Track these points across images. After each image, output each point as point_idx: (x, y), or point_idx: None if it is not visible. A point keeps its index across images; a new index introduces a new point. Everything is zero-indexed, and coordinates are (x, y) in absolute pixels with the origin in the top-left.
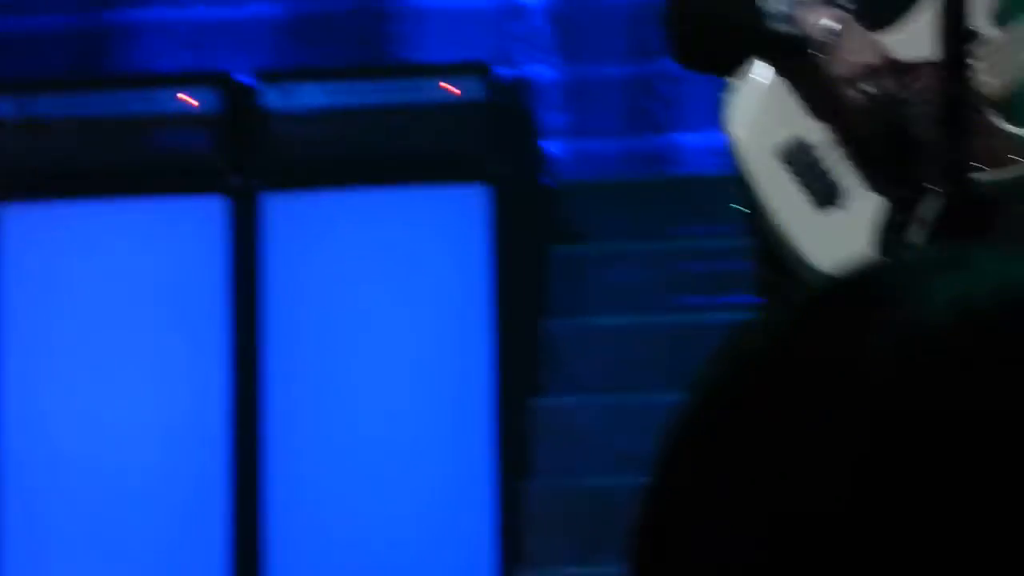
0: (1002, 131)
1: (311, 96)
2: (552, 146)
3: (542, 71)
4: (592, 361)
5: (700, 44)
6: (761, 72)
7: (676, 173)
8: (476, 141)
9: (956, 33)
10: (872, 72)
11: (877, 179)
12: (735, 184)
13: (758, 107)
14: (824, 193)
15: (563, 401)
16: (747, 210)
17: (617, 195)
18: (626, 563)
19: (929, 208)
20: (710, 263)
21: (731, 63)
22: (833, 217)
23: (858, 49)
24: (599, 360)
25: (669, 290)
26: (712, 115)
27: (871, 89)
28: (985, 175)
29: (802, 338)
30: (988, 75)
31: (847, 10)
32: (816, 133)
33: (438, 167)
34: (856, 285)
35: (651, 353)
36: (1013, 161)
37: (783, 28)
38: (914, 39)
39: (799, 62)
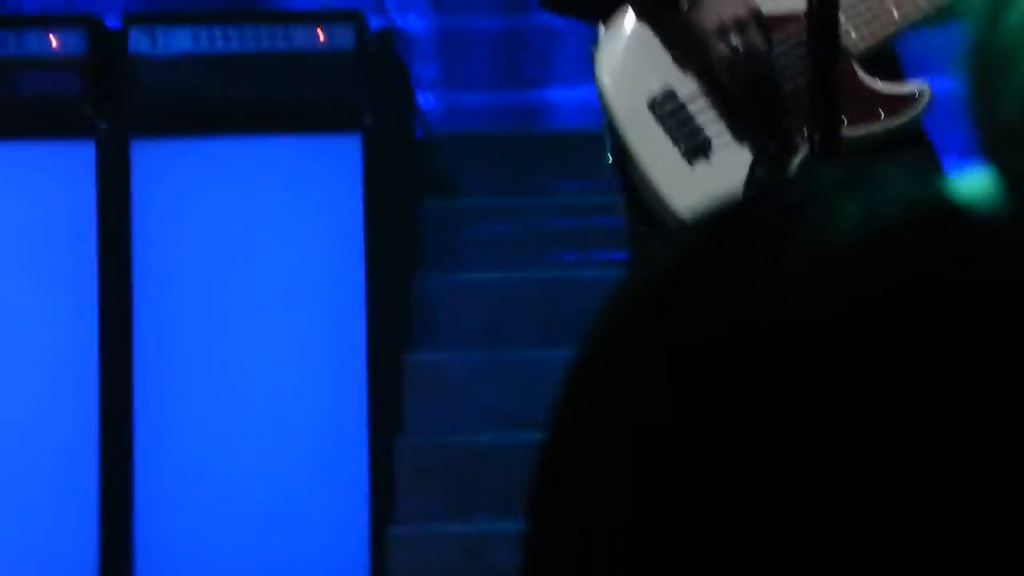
0: (867, 86)
1: (180, 41)
2: (424, 98)
3: (415, 21)
4: (464, 316)
5: None
6: (631, 22)
7: (548, 128)
8: (348, 91)
9: None
10: (739, 24)
11: (745, 131)
12: (603, 134)
13: (627, 57)
14: (693, 144)
15: (434, 356)
16: (615, 160)
17: (489, 149)
18: (520, 516)
19: (796, 162)
20: (582, 219)
21: (599, 10)
22: (701, 168)
23: (724, 5)
24: (471, 315)
25: (541, 246)
26: (585, 70)
27: (738, 41)
28: (852, 130)
29: (710, 259)
30: (853, 29)
31: None
32: (685, 84)
33: (310, 116)
34: (764, 204)
35: (523, 309)
36: (878, 116)
37: None
38: None
39: (668, 14)
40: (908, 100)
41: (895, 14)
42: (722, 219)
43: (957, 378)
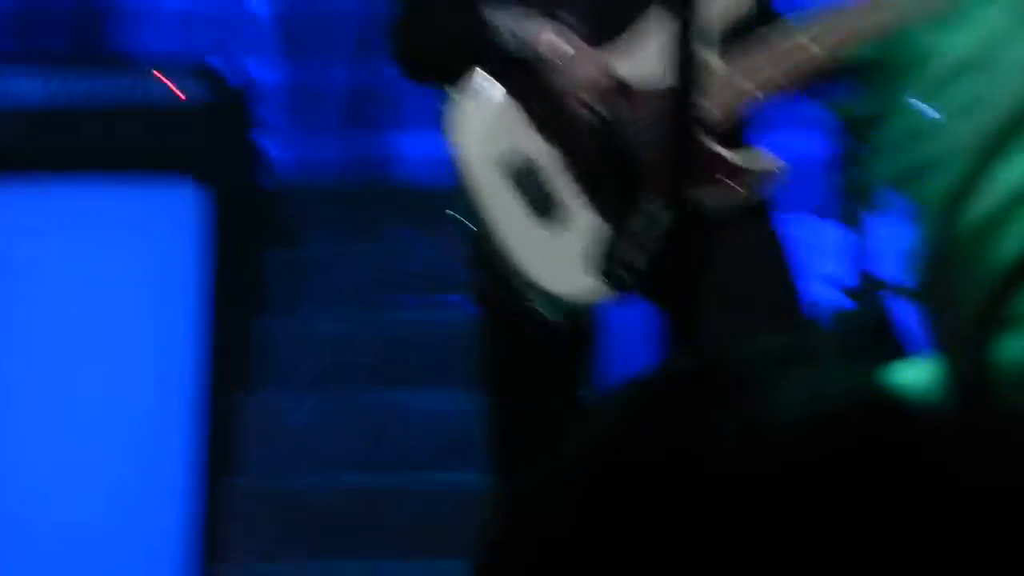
0: (718, 155)
1: (25, 86)
2: (273, 146)
3: (264, 70)
4: (304, 360)
5: (427, 56)
6: (488, 85)
7: (395, 180)
8: (195, 140)
9: (684, 60)
10: (597, 91)
11: (596, 197)
12: (458, 194)
13: (484, 119)
14: (544, 208)
15: (272, 399)
16: (469, 221)
17: (336, 200)
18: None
19: (645, 228)
20: (426, 264)
21: (458, 75)
22: (552, 232)
23: (584, 68)
24: (311, 359)
25: (383, 292)
26: (433, 121)
27: (595, 108)
28: (705, 199)
29: (652, 434)
30: (710, 102)
31: (575, 28)
32: (540, 148)
33: (155, 164)
34: (706, 376)
35: (364, 353)
36: (727, 185)
37: (511, 43)
38: (640, 62)
39: (526, 77)
40: (757, 171)
41: (748, 85)
42: (662, 394)
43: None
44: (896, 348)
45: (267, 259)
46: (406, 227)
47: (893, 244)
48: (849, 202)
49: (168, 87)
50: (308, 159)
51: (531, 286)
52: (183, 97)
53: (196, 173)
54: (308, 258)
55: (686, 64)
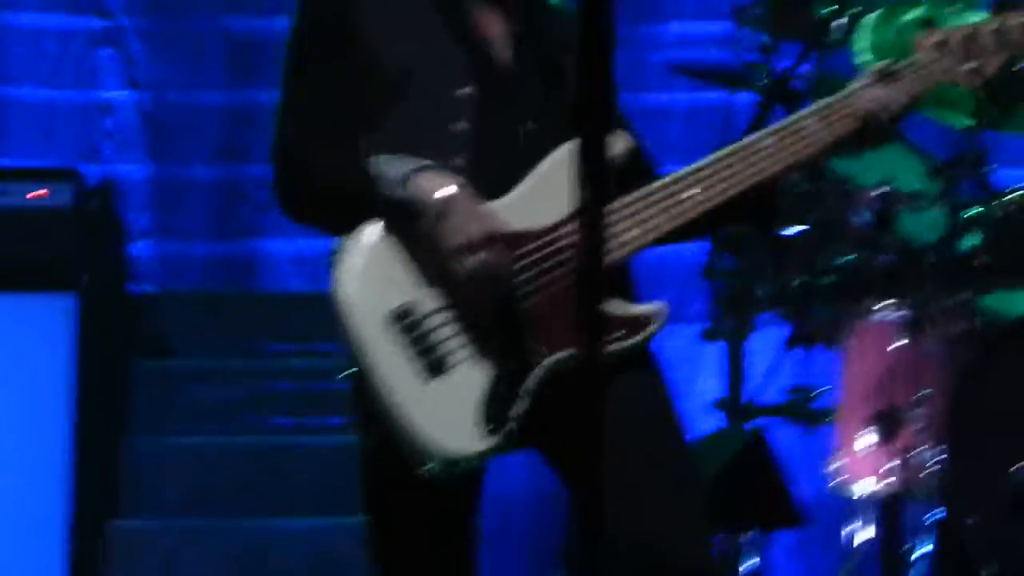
0: (611, 308)
1: None
2: (141, 250)
3: (131, 171)
4: (173, 482)
5: (315, 202)
6: (374, 235)
7: (266, 289)
8: (62, 248)
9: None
10: (482, 243)
11: (485, 350)
12: (342, 345)
13: (369, 270)
14: (429, 361)
15: (140, 524)
16: (353, 373)
17: (204, 308)
18: None
19: (535, 381)
20: (298, 383)
21: (346, 223)
22: (437, 385)
23: (471, 219)
24: (180, 481)
25: (255, 410)
26: (304, 226)
27: (481, 259)
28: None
29: None
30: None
31: (461, 180)
32: (425, 300)
33: (21, 274)
34: None
35: (235, 475)
36: (612, 337)
37: (398, 194)
38: (531, 212)
39: (412, 228)
40: (643, 320)
41: (627, 236)
42: None
43: None
44: (771, 468)
45: (135, 370)
46: (278, 340)
47: (770, 362)
48: (728, 316)
49: (33, 193)
50: (177, 261)
51: (415, 441)
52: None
53: (62, 280)
54: (177, 371)
55: (587, 212)
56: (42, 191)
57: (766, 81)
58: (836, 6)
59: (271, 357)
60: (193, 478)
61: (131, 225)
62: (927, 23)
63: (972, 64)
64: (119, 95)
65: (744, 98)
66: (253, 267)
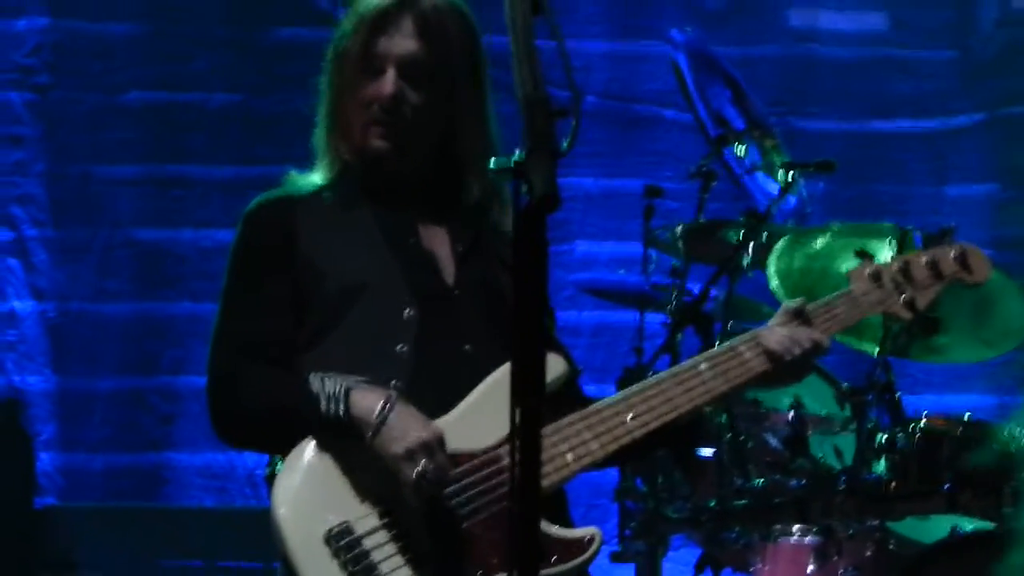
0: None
1: None
2: (44, 462)
3: (35, 382)
4: None
5: (250, 421)
6: (311, 453)
7: (171, 503)
8: None
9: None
10: (426, 447)
11: (423, 570)
12: (278, 566)
13: (305, 489)
14: None
15: None
16: None
17: (109, 522)
18: None
19: None
20: None
21: (281, 442)
22: None
23: (412, 427)
24: None
25: None
26: (209, 435)
27: (425, 464)
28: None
29: None
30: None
31: (399, 393)
32: (363, 518)
33: None
34: None
35: None
36: (551, 560)
37: (335, 410)
38: (470, 429)
39: (351, 444)
40: (580, 545)
41: (569, 457)
42: None
43: None
44: None
45: None
46: (182, 556)
47: None
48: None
49: None
50: (81, 471)
51: None
52: None
53: None
54: None
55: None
56: None
57: (674, 304)
58: (743, 232)
59: (175, 573)
60: None
61: (34, 437)
62: (861, 254)
63: (907, 296)
64: (23, 305)
65: (653, 319)
66: (158, 480)
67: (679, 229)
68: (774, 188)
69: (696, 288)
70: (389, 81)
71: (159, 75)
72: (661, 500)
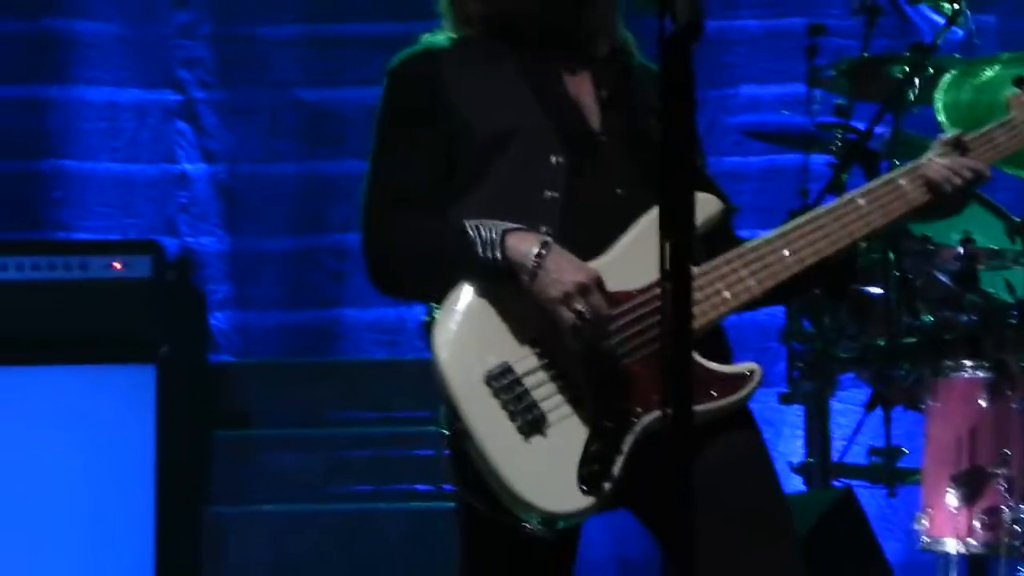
0: (701, 366)
1: None
2: (219, 321)
3: (208, 243)
4: (253, 551)
5: (405, 270)
6: (468, 297)
7: (343, 358)
8: (143, 320)
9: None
10: (583, 289)
11: (583, 409)
12: (440, 408)
13: (464, 332)
14: (528, 419)
15: None
16: (451, 434)
17: (284, 377)
18: None
19: (630, 441)
20: (377, 451)
21: (436, 289)
22: (537, 444)
23: (569, 271)
24: (260, 550)
25: (333, 478)
26: (379, 293)
27: (583, 306)
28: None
29: None
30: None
31: (552, 236)
32: (523, 359)
33: (105, 346)
34: None
35: (313, 544)
36: (711, 396)
37: (492, 255)
38: (625, 271)
39: (508, 287)
40: (740, 379)
41: (726, 295)
42: None
43: None
44: (862, 526)
45: (215, 440)
46: (354, 408)
47: (850, 424)
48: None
49: (111, 265)
50: (254, 331)
51: (516, 499)
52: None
53: (141, 352)
54: (256, 440)
55: (676, 273)
56: (117, 264)
57: (840, 143)
58: (909, 67)
59: (349, 425)
60: (274, 546)
61: (208, 296)
62: (1020, 82)
63: None
64: (194, 168)
65: (819, 159)
66: (330, 336)
67: (843, 66)
68: (940, 21)
69: (862, 127)
70: None
71: None
72: (829, 341)
